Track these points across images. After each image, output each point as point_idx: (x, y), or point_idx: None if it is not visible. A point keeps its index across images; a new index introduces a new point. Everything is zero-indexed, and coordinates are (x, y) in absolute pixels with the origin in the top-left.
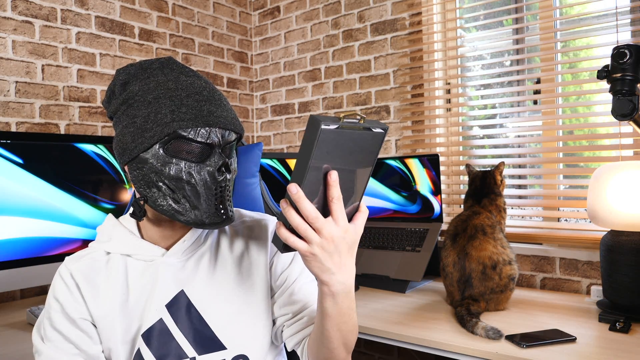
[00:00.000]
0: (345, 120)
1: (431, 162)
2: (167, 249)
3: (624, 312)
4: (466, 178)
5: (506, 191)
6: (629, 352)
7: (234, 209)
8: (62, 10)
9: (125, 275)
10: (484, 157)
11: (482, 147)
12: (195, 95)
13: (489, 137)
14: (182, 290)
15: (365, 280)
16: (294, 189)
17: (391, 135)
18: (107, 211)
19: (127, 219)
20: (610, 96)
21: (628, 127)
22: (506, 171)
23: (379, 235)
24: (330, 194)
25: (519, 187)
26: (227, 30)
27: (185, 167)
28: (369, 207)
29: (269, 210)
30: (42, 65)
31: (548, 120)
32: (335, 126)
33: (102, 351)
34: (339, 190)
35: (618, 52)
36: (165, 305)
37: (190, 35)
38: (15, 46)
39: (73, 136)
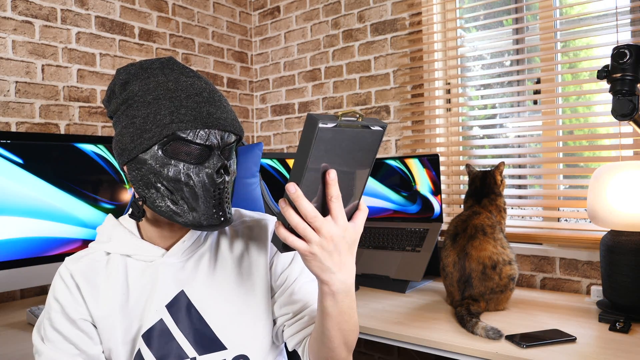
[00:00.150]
0: (343, 118)
1: (431, 162)
2: (167, 249)
3: (624, 312)
4: (466, 178)
5: (506, 191)
6: (629, 352)
7: (234, 209)
8: (62, 10)
9: (125, 276)
10: (484, 157)
11: (482, 147)
12: (195, 97)
13: (489, 137)
14: (182, 291)
15: (365, 280)
16: (292, 188)
17: (391, 135)
18: (107, 211)
19: (127, 219)
20: (610, 96)
21: (628, 127)
22: (506, 171)
23: (379, 235)
24: (329, 192)
25: (519, 187)
26: (227, 30)
27: (183, 169)
28: (369, 207)
29: (269, 210)
30: (42, 65)
31: (548, 120)
32: (333, 124)
33: (102, 351)
34: (337, 189)
35: (618, 52)
36: (166, 306)
37: (190, 35)
38: (15, 46)
39: (73, 136)
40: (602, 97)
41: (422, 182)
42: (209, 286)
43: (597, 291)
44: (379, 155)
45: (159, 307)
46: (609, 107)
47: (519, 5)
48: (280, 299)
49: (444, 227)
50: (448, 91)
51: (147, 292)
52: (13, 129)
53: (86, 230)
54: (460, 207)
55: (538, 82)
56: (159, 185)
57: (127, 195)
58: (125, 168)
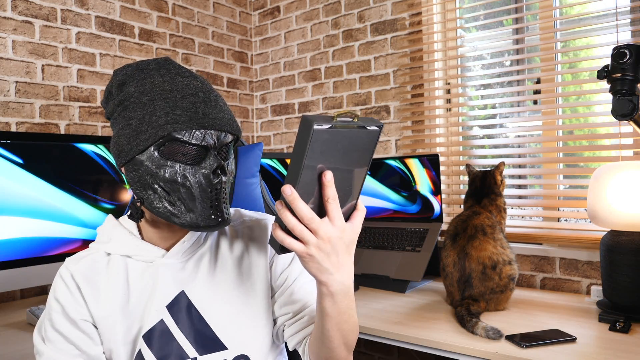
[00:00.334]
0: (338, 119)
1: (431, 162)
2: (167, 249)
3: (624, 312)
4: (466, 178)
5: (506, 191)
6: (629, 352)
7: (234, 209)
8: (62, 10)
9: (125, 277)
10: (484, 157)
11: (482, 147)
12: (190, 97)
13: (489, 137)
14: (183, 291)
15: (365, 280)
16: (288, 190)
17: (391, 135)
18: (107, 211)
19: (127, 219)
20: (610, 96)
21: (628, 127)
22: (506, 171)
23: (379, 235)
24: (325, 194)
25: (519, 187)
26: (227, 30)
27: (180, 170)
28: (368, 207)
29: (269, 210)
30: (42, 65)
31: (548, 120)
32: (328, 126)
33: (103, 352)
34: (334, 190)
35: (618, 52)
36: (166, 306)
37: (190, 35)
38: (15, 46)
39: (73, 136)
40: (602, 97)
41: (422, 182)
42: (209, 286)
43: (597, 291)
44: (379, 155)
45: (159, 308)
46: (609, 107)
47: (519, 5)
48: (280, 299)
49: (444, 227)
50: (448, 91)
51: (147, 293)
52: (13, 129)
53: (86, 230)
54: (460, 207)
55: (538, 82)
56: (156, 186)
57: (127, 195)
58: (123, 169)
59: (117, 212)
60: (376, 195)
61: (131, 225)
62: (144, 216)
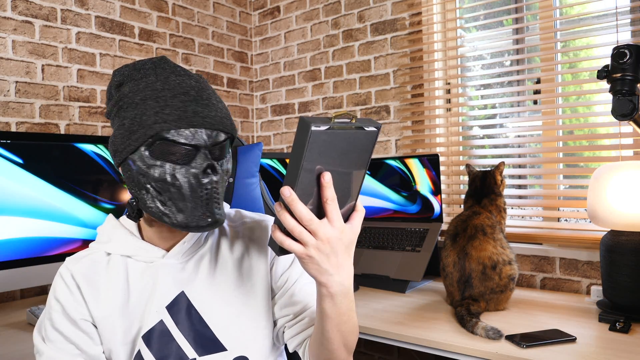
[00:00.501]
0: (336, 120)
1: (431, 162)
2: (168, 250)
3: (624, 312)
4: (466, 178)
5: (506, 191)
6: (629, 352)
7: (235, 209)
8: (62, 10)
9: (125, 277)
10: (484, 157)
11: (482, 147)
12: (181, 96)
13: (489, 137)
14: (183, 292)
15: (365, 280)
16: (287, 192)
17: (391, 135)
18: (107, 211)
19: (127, 219)
20: (610, 96)
21: (628, 127)
22: (506, 171)
23: (379, 235)
24: (324, 195)
25: (519, 187)
26: (227, 30)
27: (169, 169)
28: (368, 207)
29: (269, 210)
30: (42, 65)
31: (548, 120)
32: (326, 127)
33: (103, 352)
34: (333, 191)
35: (618, 52)
36: (166, 307)
37: (190, 35)
38: (15, 46)
39: (73, 136)
40: (602, 97)
41: (422, 182)
42: (209, 287)
43: (597, 291)
44: (379, 155)
45: (159, 308)
46: (609, 107)
47: (519, 5)
48: (280, 301)
49: (444, 227)
50: (448, 91)
51: (147, 293)
52: (13, 129)
53: (86, 230)
54: (460, 207)
55: (538, 82)
56: (148, 186)
57: (127, 195)
58: (120, 169)
59: (117, 212)
60: (376, 195)
61: (131, 225)
62: (142, 215)
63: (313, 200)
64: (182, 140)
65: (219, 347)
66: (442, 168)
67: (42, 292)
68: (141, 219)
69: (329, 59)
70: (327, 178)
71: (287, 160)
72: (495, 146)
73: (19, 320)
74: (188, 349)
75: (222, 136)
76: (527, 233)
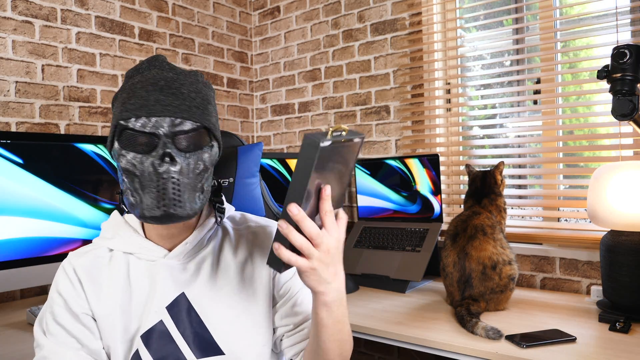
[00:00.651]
0: (334, 134)
1: (431, 162)
2: (170, 249)
3: (624, 312)
4: (466, 178)
5: (506, 191)
6: (629, 352)
7: (240, 213)
8: (62, 10)
9: (127, 274)
10: (484, 157)
11: (482, 147)
12: (148, 87)
13: (489, 137)
14: (183, 293)
15: (365, 280)
16: (294, 209)
17: (391, 135)
18: (107, 211)
19: (132, 216)
20: (610, 96)
21: (628, 127)
22: (506, 171)
23: (379, 235)
24: (323, 207)
25: (519, 187)
26: (227, 30)
27: (131, 159)
28: (369, 207)
29: (269, 210)
30: (42, 65)
31: (548, 120)
32: (329, 142)
33: (103, 347)
34: (330, 203)
35: (618, 52)
36: (166, 307)
37: (190, 35)
38: (15, 46)
39: (73, 136)
40: (602, 97)
41: (422, 182)
42: (210, 290)
43: (597, 291)
44: (379, 155)
45: (158, 309)
46: (609, 107)
47: (519, 5)
48: (281, 310)
49: (444, 227)
50: (448, 91)
51: (147, 292)
52: (13, 129)
53: (86, 230)
54: (460, 207)
55: (538, 82)
56: (123, 178)
57: None
58: None
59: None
60: (376, 195)
61: (136, 222)
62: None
63: (308, 210)
64: (140, 129)
65: (216, 351)
66: (442, 168)
67: (42, 292)
68: (125, 213)
69: (329, 59)
70: (327, 191)
71: (288, 160)
72: (495, 146)
73: (19, 320)
74: (187, 351)
75: (188, 125)
76: (527, 233)
